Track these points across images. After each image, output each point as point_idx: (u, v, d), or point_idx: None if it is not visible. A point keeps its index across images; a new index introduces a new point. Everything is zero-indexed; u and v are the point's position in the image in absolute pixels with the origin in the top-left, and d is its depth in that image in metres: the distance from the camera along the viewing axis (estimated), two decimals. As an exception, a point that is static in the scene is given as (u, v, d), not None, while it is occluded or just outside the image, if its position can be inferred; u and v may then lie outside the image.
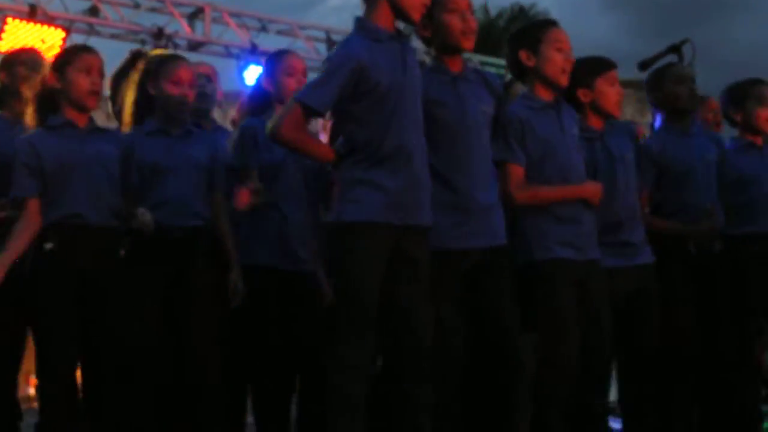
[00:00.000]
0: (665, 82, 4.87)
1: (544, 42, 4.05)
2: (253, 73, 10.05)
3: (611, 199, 4.19)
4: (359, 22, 3.50)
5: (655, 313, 4.37)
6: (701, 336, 4.65)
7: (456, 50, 3.89)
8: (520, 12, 22.27)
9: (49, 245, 4.05)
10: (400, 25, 3.57)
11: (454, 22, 3.79)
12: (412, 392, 3.39)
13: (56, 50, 8.87)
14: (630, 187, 4.39)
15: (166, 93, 4.21)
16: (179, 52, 9.89)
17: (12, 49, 5.63)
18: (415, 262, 3.41)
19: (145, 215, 4.03)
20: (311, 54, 10.41)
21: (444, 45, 3.82)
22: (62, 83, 4.17)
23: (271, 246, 4.37)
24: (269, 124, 3.48)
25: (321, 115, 3.49)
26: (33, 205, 4.07)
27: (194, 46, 10.37)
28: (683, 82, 4.84)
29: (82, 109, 4.19)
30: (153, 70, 4.27)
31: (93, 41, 9.55)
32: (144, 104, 4.30)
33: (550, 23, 4.36)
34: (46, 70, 4.49)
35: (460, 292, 3.70)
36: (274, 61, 4.68)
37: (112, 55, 5.14)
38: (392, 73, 3.41)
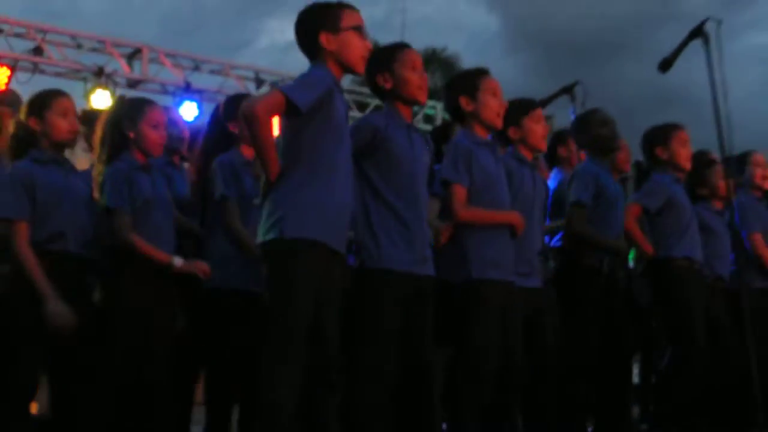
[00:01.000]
0: (591, 126, 5.05)
1: (481, 89, 4.18)
2: (187, 110, 10.15)
3: (527, 223, 4.25)
4: (318, 64, 3.50)
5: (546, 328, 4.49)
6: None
7: (413, 102, 4.00)
8: (433, 54, 22.39)
9: None
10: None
11: (413, 78, 3.88)
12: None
13: (1, 87, 8.93)
14: (539, 216, 4.57)
15: (144, 134, 4.18)
16: (118, 90, 10.14)
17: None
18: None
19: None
20: (240, 90, 10.16)
21: (402, 97, 3.86)
22: (41, 126, 4.14)
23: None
24: (244, 103, 3.34)
25: (300, 112, 3.26)
26: (23, 228, 3.98)
27: (133, 83, 10.40)
28: (606, 124, 5.05)
29: (62, 148, 4.23)
30: (129, 113, 4.23)
31: (37, 79, 9.75)
32: (119, 143, 4.22)
33: (484, 72, 4.42)
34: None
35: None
36: (236, 105, 4.46)
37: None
38: (341, 112, 3.48)
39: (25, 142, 4.23)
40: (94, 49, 10.28)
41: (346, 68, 3.53)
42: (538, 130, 4.52)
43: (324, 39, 3.43)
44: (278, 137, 3.45)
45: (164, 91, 10.65)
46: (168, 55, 10.75)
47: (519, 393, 4.24)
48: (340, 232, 3.40)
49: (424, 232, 3.77)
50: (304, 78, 3.42)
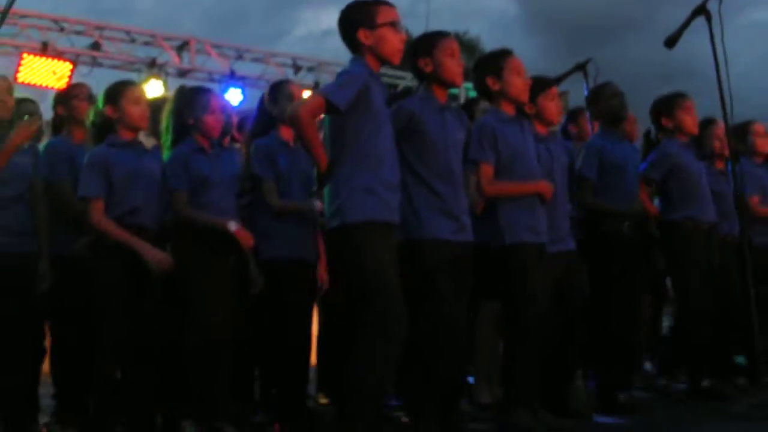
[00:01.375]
0: (602, 98, 5.10)
1: (506, 69, 4.22)
2: (233, 95, 10.21)
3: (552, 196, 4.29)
4: (357, 59, 3.57)
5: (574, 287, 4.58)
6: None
7: (450, 85, 4.08)
8: (456, 38, 21.94)
9: None
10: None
11: (453, 64, 3.94)
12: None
13: (65, 80, 9.05)
14: (563, 184, 4.58)
15: (203, 119, 4.29)
16: (169, 79, 10.24)
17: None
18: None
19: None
20: (279, 77, 10.18)
21: (440, 80, 3.91)
22: (117, 113, 4.24)
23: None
24: (289, 108, 3.52)
25: (340, 111, 3.34)
26: (99, 205, 4.09)
27: (182, 73, 10.45)
28: (616, 96, 5.08)
29: (136, 132, 4.33)
30: (188, 103, 4.36)
31: (96, 71, 9.85)
32: (181, 129, 4.35)
33: (508, 53, 4.43)
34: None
35: None
36: (277, 90, 4.73)
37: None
38: (381, 102, 3.52)
39: (103, 129, 4.35)
40: (146, 43, 10.34)
41: (384, 60, 3.59)
42: (551, 107, 4.54)
43: (362, 35, 3.49)
44: (324, 132, 3.54)
45: (211, 79, 10.63)
46: (213, 45, 10.80)
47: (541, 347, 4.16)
48: (393, 208, 3.46)
49: (460, 204, 3.83)
50: (341, 77, 3.48)
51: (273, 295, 4.49)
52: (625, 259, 4.86)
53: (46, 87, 8.92)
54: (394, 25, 3.54)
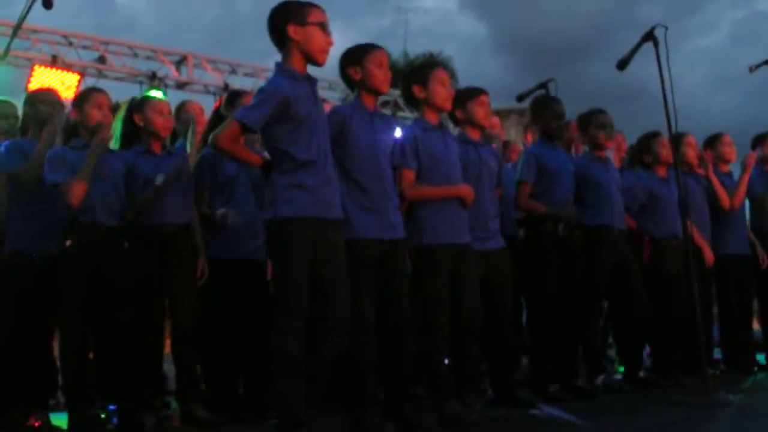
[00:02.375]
0: (545, 116, 5.05)
1: (431, 79, 4.12)
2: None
3: (478, 194, 4.23)
4: (280, 65, 3.45)
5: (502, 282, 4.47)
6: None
7: (377, 93, 3.93)
8: (431, 57, 21.74)
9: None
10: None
11: (379, 73, 3.82)
12: (326, 351, 3.35)
13: (73, 90, 8.79)
14: (491, 185, 4.50)
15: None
16: (169, 91, 10.24)
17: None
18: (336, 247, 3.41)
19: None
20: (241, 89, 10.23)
21: (368, 88, 3.81)
22: (142, 121, 4.28)
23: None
24: (211, 136, 3.41)
25: (254, 131, 3.34)
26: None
27: (181, 85, 10.35)
28: (557, 115, 5.04)
29: (158, 137, 4.34)
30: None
31: (101, 82, 9.49)
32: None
33: (435, 65, 4.42)
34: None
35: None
36: (236, 98, 4.63)
37: (117, 93, 5.30)
38: (309, 106, 3.39)
39: (130, 137, 4.38)
40: (147, 57, 10.24)
41: (309, 58, 3.45)
42: (480, 112, 4.44)
43: (291, 30, 3.38)
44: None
45: (207, 92, 10.48)
46: (209, 60, 10.70)
47: (476, 335, 4.16)
48: (326, 204, 3.38)
49: (391, 203, 3.77)
50: (258, 95, 3.36)
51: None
52: (560, 258, 4.86)
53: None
54: (322, 26, 3.44)
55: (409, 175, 4.04)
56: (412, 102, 4.34)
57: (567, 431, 3.76)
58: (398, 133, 4.21)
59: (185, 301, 4.32)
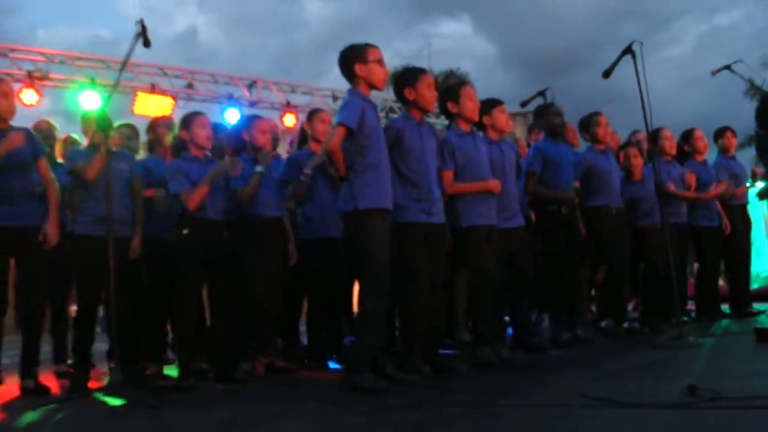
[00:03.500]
0: (548, 115, 5.07)
1: (462, 96, 4.18)
2: (288, 120, 10.31)
3: (502, 184, 4.25)
4: (352, 91, 3.53)
5: (525, 253, 4.50)
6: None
7: (426, 111, 3.99)
8: (451, 73, 21.94)
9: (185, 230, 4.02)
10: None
11: (428, 94, 3.88)
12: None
13: (169, 111, 9.09)
14: (512, 175, 4.52)
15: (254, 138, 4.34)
16: (243, 109, 10.33)
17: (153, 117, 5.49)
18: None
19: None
20: (323, 106, 10.35)
21: (419, 106, 3.84)
22: (188, 135, 4.15)
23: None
24: (325, 144, 3.49)
25: (353, 131, 3.36)
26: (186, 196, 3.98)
27: (252, 104, 10.44)
28: (559, 114, 5.06)
29: (203, 149, 4.18)
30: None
31: (190, 104, 9.88)
32: (240, 146, 4.40)
33: (463, 83, 4.45)
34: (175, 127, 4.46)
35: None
36: (313, 116, 4.77)
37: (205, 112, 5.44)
38: (376, 122, 3.51)
39: (179, 147, 4.30)
40: (225, 82, 10.34)
41: (372, 87, 3.57)
42: (502, 118, 4.46)
43: (357, 68, 3.50)
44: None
45: (272, 108, 10.60)
46: (273, 83, 10.76)
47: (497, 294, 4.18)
48: (390, 198, 3.47)
49: (434, 195, 3.77)
50: (345, 107, 3.44)
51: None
52: (563, 232, 4.89)
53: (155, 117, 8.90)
54: (380, 62, 3.55)
55: (448, 174, 4.09)
56: (445, 114, 4.33)
57: (572, 369, 3.75)
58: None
59: (275, 280, 4.31)
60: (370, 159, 3.42)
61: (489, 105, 4.46)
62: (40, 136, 4.52)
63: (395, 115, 11.23)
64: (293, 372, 4.31)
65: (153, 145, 4.89)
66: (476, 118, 4.26)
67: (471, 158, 4.14)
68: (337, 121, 3.41)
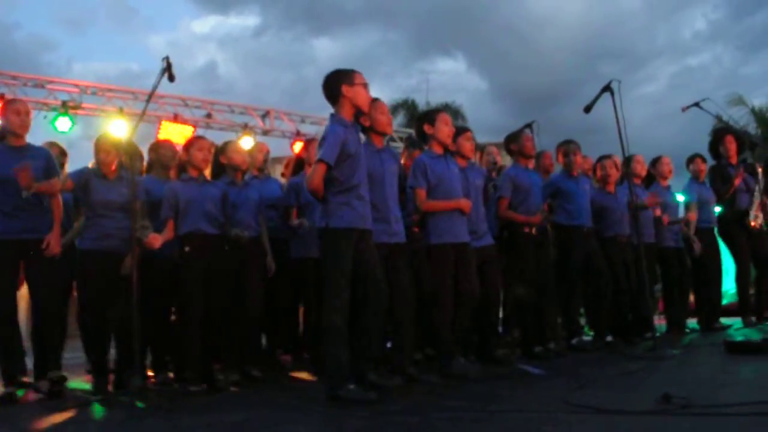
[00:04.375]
0: (520, 139, 5.01)
1: (438, 120, 4.12)
2: (298, 147, 10.14)
3: (473, 205, 4.18)
4: (334, 116, 3.38)
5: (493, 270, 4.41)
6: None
7: (444, 145, 4.04)
8: (446, 105, 22.00)
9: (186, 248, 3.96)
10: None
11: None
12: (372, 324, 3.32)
13: (189, 137, 9.47)
14: (479, 199, 4.44)
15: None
16: (257, 137, 10.35)
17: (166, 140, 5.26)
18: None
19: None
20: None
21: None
22: (225, 160, 4.29)
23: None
24: (306, 182, 3.40)
25: (331, 166, 3.25)
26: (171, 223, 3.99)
27: (265, 132, 10.44)
28: (530, 140, 5.02)
29: (200, 169, 4.13)
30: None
31: (209, 132, 9.78)
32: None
33: (440, 110, 4.35)
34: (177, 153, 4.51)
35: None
36: (310, 144, 4.78)
37: (222, 139, 5.05)
38: (356, 146, 3.38)
39: (218, 171, 4.40)
40: (241, 112, 10.33)
41: (357, 109, 3.45)
42: (467, 146, 4.35)
43: (344, 89, 3.36)
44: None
45: (284, 136, 10.63)
46: (285, 113, 10.75)
47: (470, 310, 4.11)
48: (366, 216, 3.37)
49: (393, 216, 3.71)
50: (326, 139, 3.29)
51: None
52: (533, 251, 4.82)
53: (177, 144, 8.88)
54: (365, 86, 3.44)
55: (421, 192, 4.03)
56: (421, 136, 4.26)
57: (554, 378, 3.71)
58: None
59: (257, 291, 4.31)
60: (345, 181, 3.31)
61: (455, 133, 4.37)
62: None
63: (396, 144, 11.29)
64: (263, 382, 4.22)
65: (152, 165, 4.74)
66: (450, 141, 4.18)
67: (443, 178, 4.06)
68: (317, 158, 3.28)
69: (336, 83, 3.40)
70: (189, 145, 4.22)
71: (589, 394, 2.86)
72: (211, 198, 4.09)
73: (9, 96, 8.01)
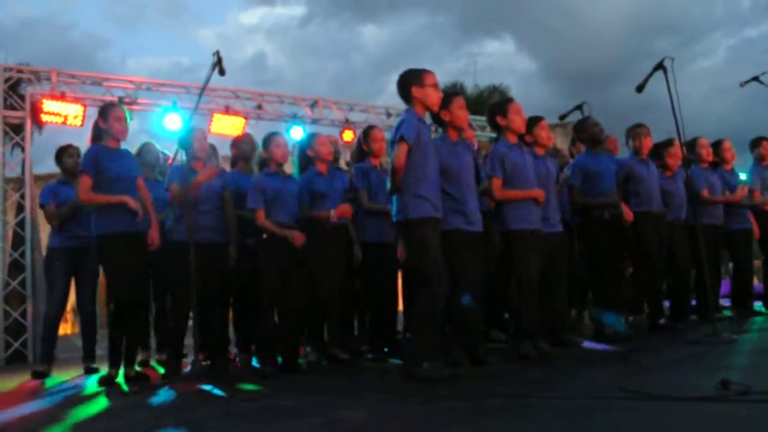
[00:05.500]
0: (586, 127, 5.05)
1: (510, 111, 4.19)
2: (347, 135, 10.28)
3: (546, 195, 4.24)
4: (409, 110, 3.54)
5: (561, 256, 4.52)
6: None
7: (518, 134, 4.16)
8: (494, 88, 22.02)
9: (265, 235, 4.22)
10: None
11: (518, 120, 4.07)
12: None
13: (240, 129, 9.14)
14: (553, 188, 4.50)
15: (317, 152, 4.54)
16: (307, 127, 10.46)
17: (244, 135, 5.69)
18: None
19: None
20: (378, 122, 10.26)
21: (453, 126, 3.89)
22: (267, 153, 4.37)
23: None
24: (392, 160, 3.47)
25: (411, 144, 3.38)
26: (262, 213, 4.20)
27: (314, 122, 10.42)
28: (596, 125, 5.02)
29: (280, 165, 4.38)
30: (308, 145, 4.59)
31: (260, 123, 9.91)
32: (307, 162, 4.57)
33: (511, 100, 4.40)
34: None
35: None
36: (368, 132, 4.86)
37: (270, 130, 5.48)
38: (428, 137, 3.53)
39: (261, 164, 4.53)
40: (291, 103, 10.37)
41: (427, 108, 3.59)
42: (543, 135, 4.42)
43: (415, 90, 3.52)
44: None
45: (332, 125, 10.61)
46: (333, 102, 10.76)
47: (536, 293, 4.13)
48: (440, 207, 3.50)
49: (471, 207, 3.78)
50: (403, 124, 3.43)
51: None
52: (608, 234, 4.85)
53: (229, 135, 9.01)
54: (435, 86, 3.56)
55: (497, 181, 4.09)
56: (494, 127, 4.31)
57: (607, 362, 3.67)
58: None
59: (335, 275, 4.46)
60: (418, 170, 3.42)
61: (531, 123, 4.43)
62: (150, 156, 4.98)
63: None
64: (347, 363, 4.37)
65: (236, 161, 5.00)
66: (523, 130, 4.25)
67: (518, 168, 4.12)
68: (397, 138, 3.40)
69: (407, 85, 3.57)
70: (267, 142, 4.40)
71: (645, 380, 2.82)
72: (289, 193, 4.33)
73: (77, 95, 8.37)
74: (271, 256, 4.14)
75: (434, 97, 3.55)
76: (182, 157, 4.52)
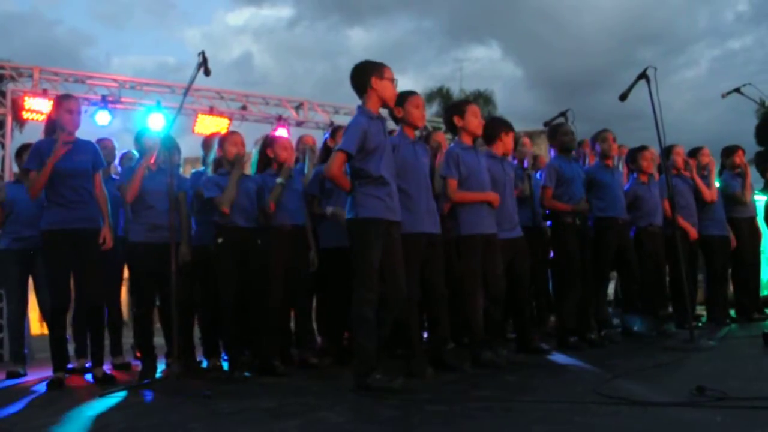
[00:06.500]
0: (558, 134, 5.01)
1: (467, 112, 4.12)
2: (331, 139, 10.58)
3: (502, 198, 4.20)
4: (361, 108, 3.44)
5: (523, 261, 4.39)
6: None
7: (474, 136, 4.07)
8: (480, 93, 21.90)
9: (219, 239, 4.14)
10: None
11: (475, 121, 4.00)
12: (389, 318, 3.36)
13: (224, 130, 9.16)
14: (511, 191, 4.42)
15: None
16: (291, 129, 10.45)
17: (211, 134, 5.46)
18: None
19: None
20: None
21: (409, 123, 3.79)
22: (272, 154, 4.36)
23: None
24: (324, 168, 3.45)
25: (352, 156, 3.30)
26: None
27: (299, 123, 10.40)
28: (567, 134, 4.99)
29: (285, 166, 4.34)
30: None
31: (244, 125, 9.78)
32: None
33: (469, 102, 4.36)
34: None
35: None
36: (336, 132, 4.79)
37: (256, 131, 5.41)
38: (380, 138, 3.39)
39: (264, 164, 4.47)
40: (275, 104, 10.31)
41: (383, 102, 3.47)
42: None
43: (374, 81, 3.40)
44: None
45: (318, 128, 10.45)
46: (318, 105, 10.70)
47: (501, 303, 4.15)
48: (394, 209, 3.39)
49: (425, 206, 3.71)
50: (348, 130, 3.35)
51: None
52: (577, 241, 4.81)
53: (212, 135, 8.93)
54: (393, 81, 3.46)
55: (452, 182, 4.04)
56: (451, 128, 4.26)
57: (587, 369, 3.69)
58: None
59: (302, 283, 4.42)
60: (371, 173, 3.33)
61: (499, 130, 4.42)
62: (104, 152, 4.67)
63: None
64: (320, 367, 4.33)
65: (220, 162, 4.86)
66: (480, 133, 4.20)
67: (473, 170, 4.08)
68: (337, 147, 3.34)
69: (366, 74, 3.44)
70: (223, 140, 4.33)
71: (621, 386, 2.85)
72: (245, 192, 4.22)
73: (58, 92, 8.25)
74: (229, 258, 4.10)
75: (391, 91, 3.46)
76: (164, 157, 4.45)
